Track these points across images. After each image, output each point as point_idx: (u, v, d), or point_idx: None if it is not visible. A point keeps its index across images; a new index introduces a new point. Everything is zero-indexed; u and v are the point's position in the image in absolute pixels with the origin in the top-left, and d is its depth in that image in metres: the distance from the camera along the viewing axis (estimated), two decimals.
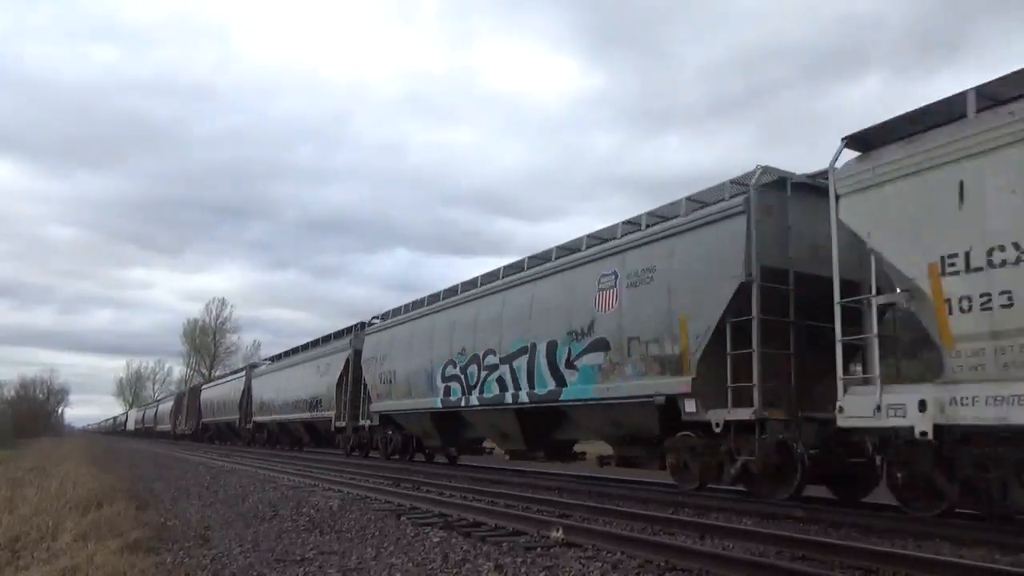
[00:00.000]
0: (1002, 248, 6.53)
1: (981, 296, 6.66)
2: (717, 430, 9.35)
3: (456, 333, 15.53)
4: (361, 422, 20.94)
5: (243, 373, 36.55)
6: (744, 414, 8.99)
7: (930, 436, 6.92)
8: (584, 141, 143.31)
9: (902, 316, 7.98)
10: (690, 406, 9.63)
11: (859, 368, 8.67)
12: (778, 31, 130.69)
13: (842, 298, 7.92)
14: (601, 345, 11.22)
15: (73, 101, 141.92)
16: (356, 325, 22.48)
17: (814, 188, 9.48)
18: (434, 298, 17.35)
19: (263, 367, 34.43)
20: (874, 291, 7.64)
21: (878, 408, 7.37)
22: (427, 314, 17.24)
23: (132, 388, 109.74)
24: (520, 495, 9.78)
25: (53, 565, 5.78)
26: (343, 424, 22.08)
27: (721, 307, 9.32)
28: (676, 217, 10.53)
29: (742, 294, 9.17)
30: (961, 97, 7.09)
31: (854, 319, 8.04)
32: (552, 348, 12.31)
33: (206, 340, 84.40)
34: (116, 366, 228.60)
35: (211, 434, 42.71)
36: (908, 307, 7.42)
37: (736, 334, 9.23)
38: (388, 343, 19.12)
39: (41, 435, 66.54)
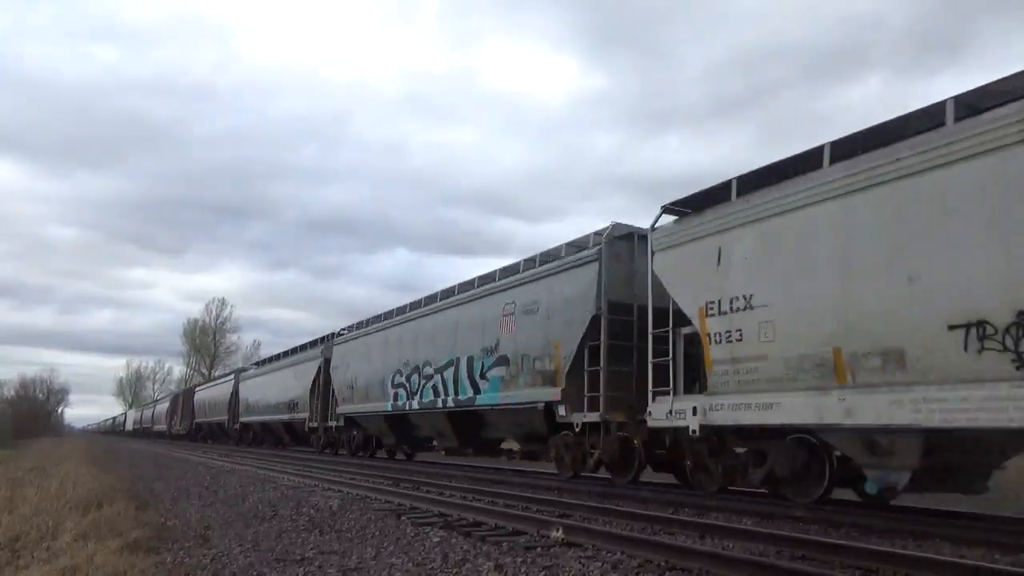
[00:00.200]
0: (737, 299, 8.98)
1: (726, 332, 9.11)
2: (577, 429, 11.87)
3: (402, 346, 18.12)
4: (330, 423, 23.10)
5: (232, 377, 38.05)
6: (594, 417, 11.43)
7: (698, 433, 9.44)
8: (584, 141, 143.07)
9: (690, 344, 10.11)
10: (561, 411, 12.05)
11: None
12: (778, 31, 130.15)
13: (655, 329, 10.45)
14: (504, 361, 13.66)
15: (73, 101, 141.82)
16: (327, 335, 24.68)
17: None
18: (388, 315, 19.84)
19: (250, 371, 35.90)
20: (670, 325, 10.12)
21: (670, 412, 9.90)
22: (381, 329, 19.79)
23: (132, 388, 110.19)
24: (520, 495, 9.95)
25: (53, 565, 5.82)
26: (315, 424, 24.33)
27: (580, 334, 11.71)
28: (557, 259, 12.80)
29: (595, 324, 11.50)
30: (727, 184, 9.46)
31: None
32: (471, 362, 14.70)
33: (206, 340, 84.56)
34: (116, 366, 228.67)
35: (204, 434, 43.66)
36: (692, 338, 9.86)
37: (592, 355, 11.62)
38: (351, 353, 21.38)
39: (41, 435, 66.91)
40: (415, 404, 17.01)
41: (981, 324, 6.54)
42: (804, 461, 8.60)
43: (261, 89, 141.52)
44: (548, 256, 13.36)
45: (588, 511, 8.30)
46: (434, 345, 16.40)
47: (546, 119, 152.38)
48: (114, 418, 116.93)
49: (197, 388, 49.21)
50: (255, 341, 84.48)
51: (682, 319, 9.98)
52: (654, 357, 10.39)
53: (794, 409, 8.21)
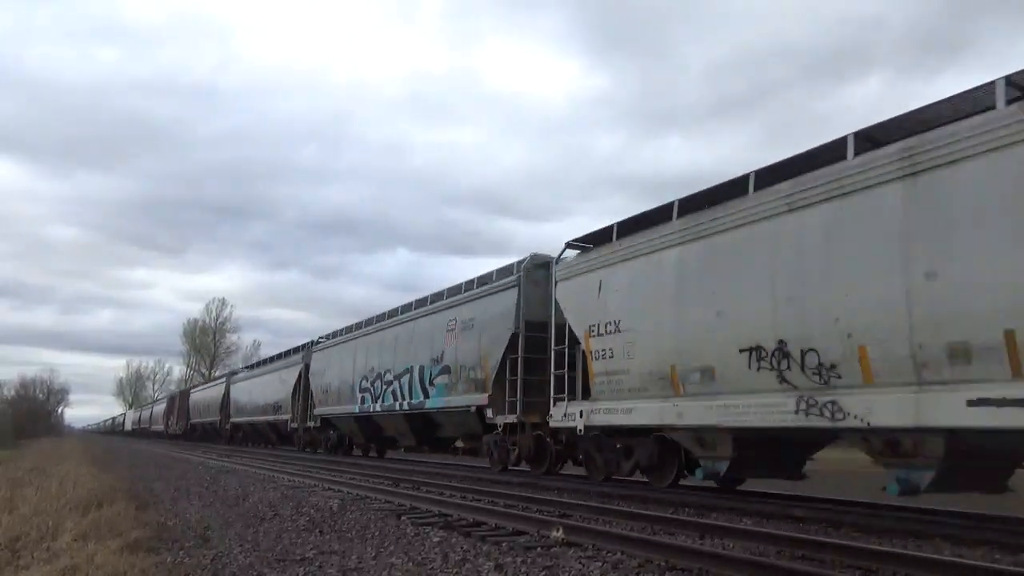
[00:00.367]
0: (611, 323, 11.29)
1: (603, 350, 11.39)
2: (499, 429, 14.27)
3: (368, 355, 20.73)
4: (308, 423, 25.48)
5: (224, 380, 40.66)
6: (513, 418, 13.77)
7: (583, 432, 11.82)
8: (585, 141, 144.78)
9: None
10: (489, 413, 14.41)
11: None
12: (779, 31, 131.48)
13: (557, 346, 12.80)
14: (447, 370, 16.12)
15: (74, 101, 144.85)
16: (308, 343, 27.17)
17: None
18: (358, 325, 22.07)
19: (241, 374, 38.53)
20: (565, 343, 12.46)
21: (565, 415, 12.18)
22: (352, 339, 22.42)
23: (132, 388, 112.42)
24: (520, 495, 10.19)
25: (53, 565, 5.86)
26: (296, 425, 26.76)
27: (503, 348, 14.02)
28: (489, 283, 15.29)
29: (515, 340, 13.81)
30: (610, 228, 11.78)
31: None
32: (422, 370, 17.21)
33: (206, 340, 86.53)
34: (116, 366, 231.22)
35: (198, 434, 46.17)
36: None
37: (512, 366, 13.84)
38: (327, 360, 23.98)
39: (41, 435, 68.19)
40: (378, 407, 19.52)
41: (758, 349, 8.80)
42: (660, 453, 10.89)
43: (262, 89, 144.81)
44: (484, 280, 15.72)
45: (588, 511, 8.52)
46: (393, 354, 18.89)
47: (547, 119, 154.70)
48: (113, 418, 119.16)
49: (192, 390, 51.85)
50: (255, 341, 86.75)
51: (576, 338, 12.23)
52: (557, 369, 12.66)
53: (646, 413, 10.50)
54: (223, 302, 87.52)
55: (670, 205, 10.64)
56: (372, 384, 19.88)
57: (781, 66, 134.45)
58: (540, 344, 13.45)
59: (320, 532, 7.30)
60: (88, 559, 5.80)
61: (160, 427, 59.47)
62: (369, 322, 21.48)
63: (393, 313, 19.87)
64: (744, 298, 9.04)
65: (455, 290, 16.78)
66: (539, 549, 6.17)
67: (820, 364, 8.09)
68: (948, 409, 6.89)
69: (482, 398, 14.49)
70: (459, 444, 17.26)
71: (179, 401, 53.30)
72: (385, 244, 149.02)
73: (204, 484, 13.09)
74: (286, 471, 15.58)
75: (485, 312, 14.94)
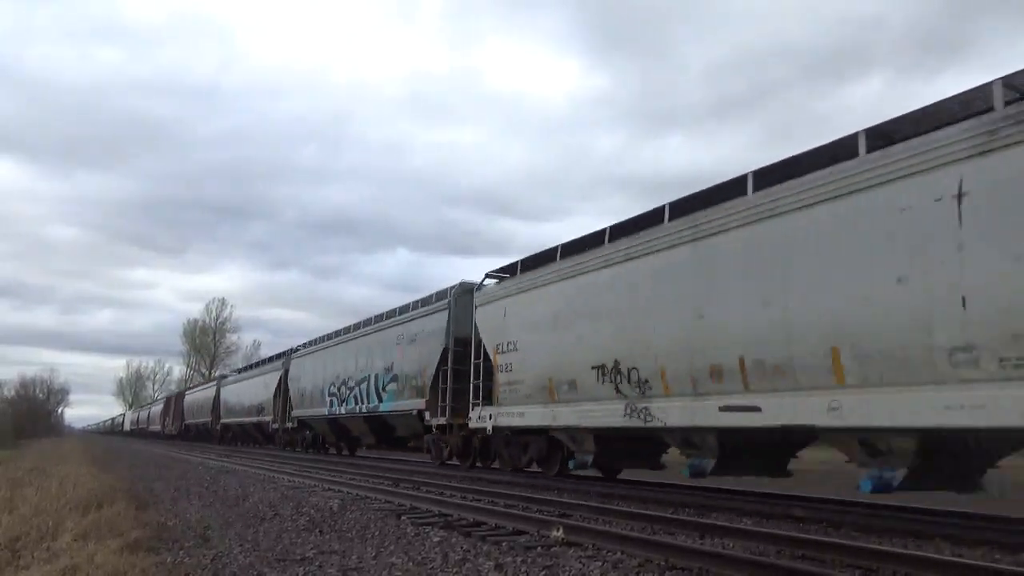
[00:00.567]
0: (511, 343, 14.06)
1: (505, 364, 14.21)
2: (435, 430, 17.33)
3: (336, 363, 23.92)
4: (287, 424, 28.51)
5: (215, 382, 43.95)
6: (443, 420, 16.64)
7: (491, 431, 14.60)
8: (585, 141, 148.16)
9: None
10: (427, 416, 17.32)
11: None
12: (779, 31, 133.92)
13: (475, 359, 15.54)
14: (396, 378, 19.19)
15: (74, 101, 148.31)
16: (288, 350, 30.20)
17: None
18: (329, 336, 25.17)
19: (230, 378, 41.67)
20: (481, 357, 15.21)
21: (479, 417, 14.92)
22: (324, 348, 25.71)
23: (132, 388, 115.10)
24: (520, 495, 10.45)
25: (53, 565, 5.91)
26: (277, 426, 29.75)
27: (436, 360, 17.05)
28: (429, 304, 18.24)
29: (445, 354, 16.85)
30: (515, 264, 14.52)
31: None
32: (377, 378, 20.25)
33: (206, 340, 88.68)
34: (116, 366, 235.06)
35: (192, 434, 49.23)
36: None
37: (443, 376, 16.74)
38: (303, 366, 27.08)
39: (41, 435, 69.80)
40: (343, 410, 22.52)
41: (603, 367, 11.60)
42: (548, 448, 13.69)
43: (262, 89, 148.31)
44: (426, 301, 18.44)
45: (588, 511, 8.70)
46: (355, 363, 21.83)
47: (547, 119, 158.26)
48: (113, 419, 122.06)
49: (187, 392, 55.13)
50: (255, 341, 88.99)
51: (488, 354, 15.02)
52: (475, 379, 15.46)
53: (535, 416, 13.29)
54: (223, 302, 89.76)
55: (555, 249, 13.41)
56: (339, 389, 22.91)
57: (781, 66, 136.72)
58: (465, 358, 16.23)
59: (320, 532, 7.46)
60: (88, 559, 5.87)
61: (157, 427, 62.67)
62: (338, 333, 24.47)
63: (357, 327, 22.89)
64: (595, 327, 11.83)
65: (404, 308, 19.59)
66: (539, 549, 6.30)
67: (639, 379, 10.89)
68: (709, 413, 9.68)
69: (421, 403, 17.40)
70: (411, 443, 20.05)
71: (175, 402, 56.50)
72: (385, 244, 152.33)
73: (204, 484, 13.45)
74: (285, 471, 16.17)
75: (424, 329, 17.85)
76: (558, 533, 6.74)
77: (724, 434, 9.89)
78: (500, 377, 14.32)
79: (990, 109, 7.13)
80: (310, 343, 27.44)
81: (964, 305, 6.97)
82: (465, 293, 16.70)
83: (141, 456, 27.26)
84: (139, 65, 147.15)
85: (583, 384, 12.05)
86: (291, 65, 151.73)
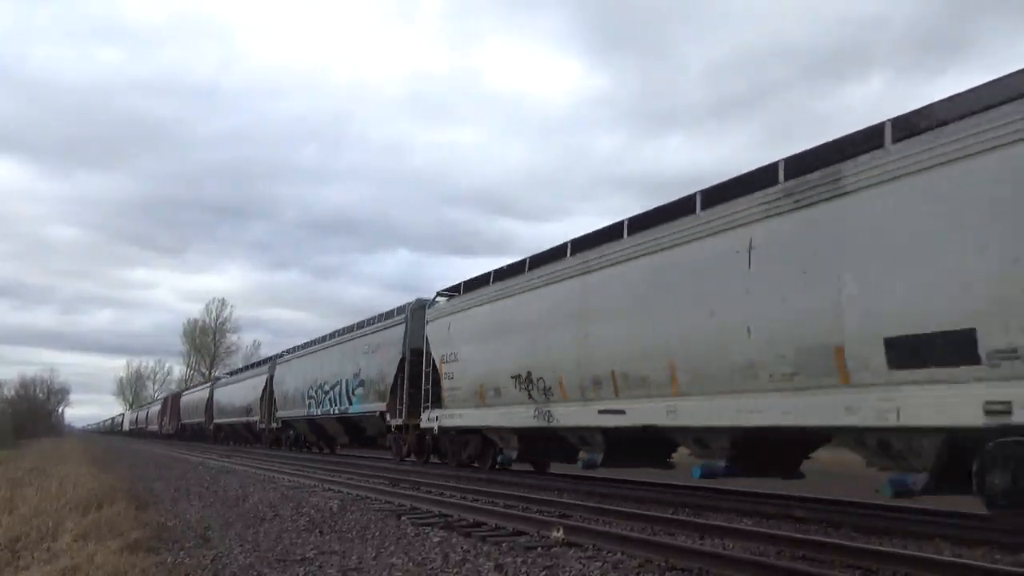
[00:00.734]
0: (453, 354, 16.26)
1: (449, 373, 16.48)
2: (394, 429, 19.83)
3: (313, 369, 26.71)
4: (272, 424, 31.13)
5: (209, 384, 46.87)
6: (400, 421, 19.24)
7: (437, 431, 16.93)
8: (585, 141, 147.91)
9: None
10: (388, 417, 19.93)
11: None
12: (779, 31, 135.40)
13: (426, 368, 17.76)
14: (363, 384, 21.91)
15: (75, 101, 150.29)
16: (273, 356, 33.02)
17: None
18: (308, 344, 27.90)
19: (223, 380, 44.49)
20: (430, 366, 17.48)
21: (428, 419, 17.36)
22: (304, 355, 28.23)
23: (132, 388, 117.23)
24: (520, 495, 10.60)
25: (53, 565, 5.96)
26: (263, 426, 32.43)
27: (395, 368, 19.66)
28: (390, 318, 20.05)
29: (402, 363, 19.34)
30: (459, 285, 16.78)
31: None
32: (348, 383, 22.99)
33: (206, 340, 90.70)
34: (116, 366, 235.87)
35: (188, 433, 51.94)
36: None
37: (401, 382, 19.26)
38: (286, 371, 29.72)
39: (41, 435, 70.29)
40: (319, 412, 25.06)
41: (519, 376, 13.95)
42: (482, 446, 16.05)
43: (262, 89, 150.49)
44: (388, 315, 20.86)
45: (588, 511, 8.80)
46: (330, 370, 24.33)
47: (547, 119, 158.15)
48: (112, 418, 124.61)
49: (183, 393, 58.10)
50: (255, 341, 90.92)
51: (436, 363, 17.39)
52: (426, 384, 17.79)
53: (470, 418, 15.65)
54: (223, 302, 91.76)
55: (489, 274, 15.76)
56: (316, 393, 25.43)
57: (781, 66, 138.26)
58: (419, 366, 18.56)
59: (320, 532, 7.57)
60: (88, 559, 5.91)
61: (155, 427, 65.54)
62: (315, 342, 27.05)
63: (332, 335, 25.40)
64: (514, 342, 14.18)
65: (370, 321, 22.04)
66: (539, 549, 6.39)
67: (545, 387, 13.24)
68: (592, 415, 12.03)
69: (383, 405, 19.88)
70: (379, 442, 22.47)
71: (171, 403, 59.25)
72: (385, 244, 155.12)
73: (204, 484, 13.68)
74: (285, 471, 16.66)
75: (385, 340, 20.23)
76: (558, 534, 6.85)
77: (606, 432, 12.24)
78: (445, 384, 16.68)
79: (775, 183, 9.46)
80: (293, 349, 30.03)
81: (749, 333, 9.31)
82: (419, 309, 19.08)
83: (141, 456, 27.90)
84: (139, 65, 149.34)
85: (505, 390, 14.41)
86: (291, 65, 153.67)
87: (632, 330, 11.20)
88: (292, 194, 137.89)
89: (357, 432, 23.39)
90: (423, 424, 17.77)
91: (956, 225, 7.32)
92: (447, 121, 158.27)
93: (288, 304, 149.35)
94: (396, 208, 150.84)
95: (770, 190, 9.43)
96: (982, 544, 6.51)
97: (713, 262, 9.96)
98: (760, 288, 9.24)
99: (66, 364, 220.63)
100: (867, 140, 8.49)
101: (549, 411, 13.11)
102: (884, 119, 8.40)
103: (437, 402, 17.28)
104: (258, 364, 36.31)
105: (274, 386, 30.73)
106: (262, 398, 32.54)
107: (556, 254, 13.67)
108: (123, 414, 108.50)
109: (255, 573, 5.76)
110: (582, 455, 13.26)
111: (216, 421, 42.11)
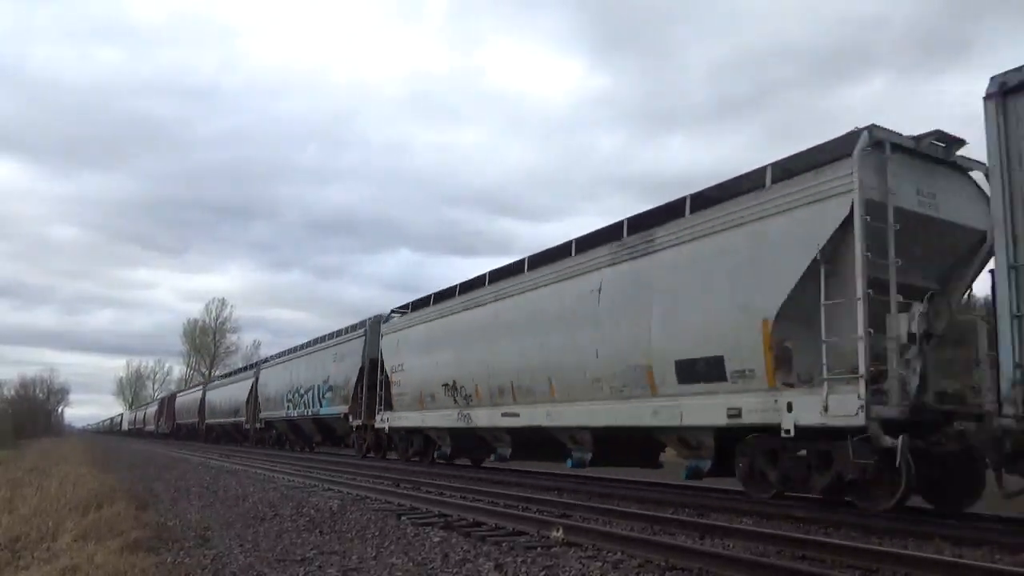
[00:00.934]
0: (401, 364, 19.39)
1: (397, 380, 19.49)
2: (356, 429, 22.54)
3: (290, 374, 29.37)
4: (257, 424, 34.16)
5: (201, 387, 50.10)
6: (360, 422, 21.87)
7: (387, 431, 19.86)
8: (587, 141, 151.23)
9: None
10: (351, 418, 22.55)
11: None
12: (781, 31, 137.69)
13: (380, 375, 19.88)
14: (331, 388, 24.80)
15: (76, 101, 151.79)
16: (257, 361, 36.28)
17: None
18: (288, 351, 31.01)
19: (215, 383, 47.69)
20: (383, 375, 20.08)
21: (381, 420, 20.44)
22: (284, 361, 31.43)
23: (132, 388, 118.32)
24: (520, 495, 10.67)
25: (53, 565, 6.06)
26: (249, 426, 35.51)
27: (356, 376, 22.43)
28: (352, 331, 22.84)
29: (362, 371, 21.95)
30: (407, 304, 19.26)
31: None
32: (319, 388, 25.60)
33: (206, 340, 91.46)
34: (116, 366, 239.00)
35: (183, 433, 55.01)
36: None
37: (361, 388, 21.87)
38: (268, 375, 32.87)
39: (41, 435, 72.56)
40: (296, 413, 27.95)
41: (447, 384, 16.88)
42: (424, 443, 19.05)
43: (264, 89, 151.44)
44: (353, 327, 23.80)
45: (588, 511, 8.85)
46: (305, 375, 27.29)
47: (548, 119, 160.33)
48: (112, 418, 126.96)
49: (178, 394, 61.31)
50: (255, 341, 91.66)
51: (387, 372, 20.34)
52: (380, 390, 20.69)
53: (413, 420, 18.62)
54: (223, 302, 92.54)
55: (430, 296, 18.72)
56: (293, 396, 28.39)
57: (782, 66, 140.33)
58: (376, 374, 21.51)
59: (320, 532, 7.62)
60: (88, 559, 5.96)
61: (152, 427, 68.74)
62: (294, 350, 30.03)
63: (309, 344, 28.41)
64: (444, 356, 17.14)
65: (338, 333, 25.04)
66: (539, 549, 6.44)
67: (466, 393, 16.18)
68: (498, 417, 14.95)
69: (346, 408, 22.81)
70: (346, 440, 25.46)
71: (167, 404, 62.42)
72: (387, 244, 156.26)
73: (204, 484, 13.82)
74: (285, 471, 16.86)
75: (348, 351, 23.17)
76: (558, 533, 6.90)
77: (510, 431, 15.21)
78: (394, 390, 19.64)
79: (620, 237, 12.39)
80: (274, 356, 33.14)
81: (597, 355, 12.27)
82: (376, 324, 22.03)
83: (141, 456, 28.25)
84: (140, 65, 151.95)
85: (438, 396, 17.38)
86: (292, 65, 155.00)
87: (524, 350, 14.16)
88: (293, 194, 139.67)
89: (329, 432, 26.30)
90: (377, 424, 20.71)
91: (715, 280, 10.27)
92: (448, 121, 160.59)
93: (289, 304, 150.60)
94: (397, 208, 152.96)
95: (614, 244, 12.39)
96: (982, 544, 6.55)
97: (576, 298, 12.92)
98: (604, 320, 12.19)
99: (66, 364, 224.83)
100: (675, 211, 11.43)
101: (469, 414, 16.08)
102: (685, 194, 11.35)
103: (389, 406, 20.18)
104: (245, 369, 39.49)
105: (258, 389, 33.85)
106: (248, 400, 35.65)
107: (478, 283, 16.62)
108: (122, 414, 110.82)
109: (255, 573, 5.82)
110: (498, 450, 16.20)
111: (208, 421, 45.21)
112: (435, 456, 18.54)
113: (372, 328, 22.08)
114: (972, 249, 9.79)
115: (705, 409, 10.25)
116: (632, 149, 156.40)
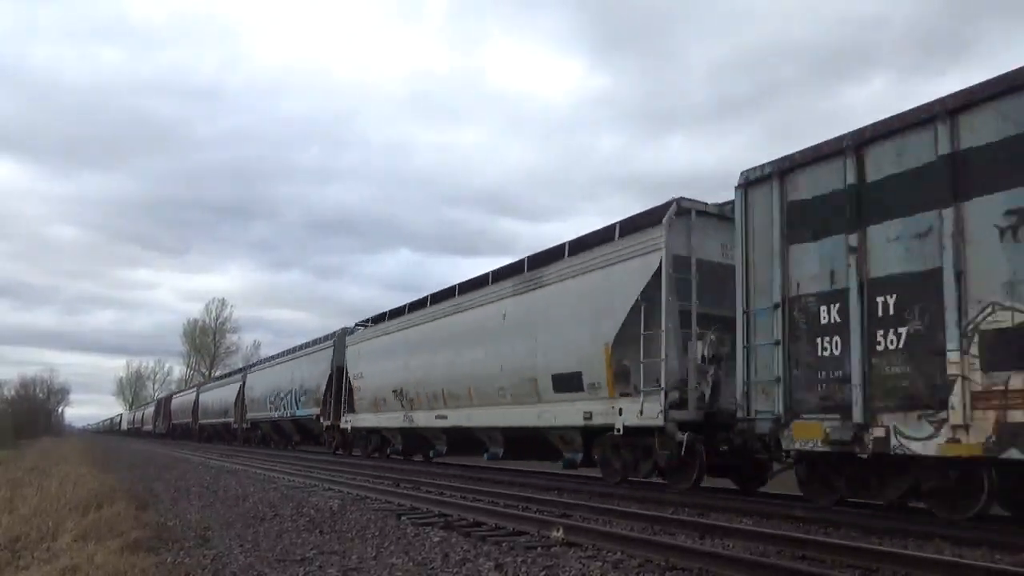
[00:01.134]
0: (361, 372, 22.63)
1: (358, 387, 23.55)
2: (326, 429, 24.84)
3: (275, 378, 32.14)
4: (244, 425, 37.26)
5: (195, 389, 53.19)
6: (328, 422, 24.43)
7: (350, 430, 22.94)
8: (587, 141, 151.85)
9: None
10: (322, 419, 25.36)
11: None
12: (781, 31, 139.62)
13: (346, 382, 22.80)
14: (306, 392, 27.50)
15: (77, 101, 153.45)
16: (245, 366, 39.75)
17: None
18: (272, 357, 34.15)
19: (208, 385, 50.98)
20: (347, 380, 23.24)
21: (345, 421, 23.68)
22: (268, 366, 34.23)
23: (132, 388, 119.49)
24: (520, 495, 10.77)
25: (53, 565, 6.14)
26: (237, 426, 38.61)
27: (325, 381, 25.58)
28: (323, 341, 25.80)
29: (331, 377, 24.53)
30: (368, 319, 22.36)
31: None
32: (296, 392, 28.41)
33: (206, 340, 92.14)
34: (116, 366, 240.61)
35: (179, 433, 58.07)
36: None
37: (331, 392, 24.50)
38: (254, 379, 35.93)
39: (41, 435, 73.18)
40: (276, 415, 31.04)
41: (396, 390, 19.92)
42: (380, 441, 22.11)
43: (265, 89, 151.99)
44: (325, 337, 26.82)
45: (588, 511, 8.94)
46: (285, 379, 30.29)
47: (549, 119, 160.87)
48: (111, 419, 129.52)
49: (174, 396, 64.54)
50: (255, 341, 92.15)
51: (350, 378, 23.41)
52: (345, 395, 23.79)
53: (370, 421, 21.68)
54: (223, 302, 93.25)
55: (385, 313, 21.79)
56: (275, 399, 31.46)
57: (782, 66, 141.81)
58: (343, 378, 24.56)
59: (320, 532, 7.69)
60: (88, 559, 6.07)
61: (150, 427, 71.96)
62: (276, 357, 33.29)
63: (290, 351, 31.49)
64: (394, 366, 20.12)
65: (313, 342, 28.14)
66: (539, 549, 6.54)
67: (410, 398, 19.22)
68: (433, 419, 17.98)
69: (318, 410, 25.82)
70: (321, 440, 28.61)
71: (164, 405, 65.69)
72: (387, 244, 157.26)
73: (204, 484, 13.94)
74: (285, 471, 17.00)
75: (320, 358, 26.23)
76: (558, 533, 6.97)
77: (444, 430, 18.27)
78: (356, 395, 22.71)
79: (522, 271, 15.44)
80: (259, 361, 36.26)
81: (501, 369, 15.32)
82: (343, 335, 25.08)
83: (141, 456, 28.61)
84: (141, 65, 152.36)
85: (389, 401, 20.43)
86: (293, 65, 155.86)
87: (452, 362, 17.21)
88: (294, 194, 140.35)
89: (306, 431, 29.31)
90: (342, 425, 23.79)
91: (579, 311, 13.28)
92: (449, 121, 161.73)
93: (289, 304, 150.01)
94: (398, 208, 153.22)
95: (517, 277, 15.44)
96: (982, 544, 6.62)
97: (488, 320, 15.97)
98: (507, 339, 15.24)
99: (66, 364, 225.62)
100: (559, 254, 14.48)
101: (412, 416, 19.14)
102: (565, 240, 14.39)
103: (351, 408, 23.19)
104: (234, 372, 42.63)
105: (245, 392, 36.97)
106: (236, 402, 38.74)
107: (422, 303, 19.68)
108: (121, 415, 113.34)
109: (255, 573, 5.87)
110: (436, 447, 19.28)
111: (200, 422, 48.25)
112: (389, 452, 21.61)
113: (340, 339, 25.13)
114: None
115: (571, 413, 13.28)
116: (632, 149, 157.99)
